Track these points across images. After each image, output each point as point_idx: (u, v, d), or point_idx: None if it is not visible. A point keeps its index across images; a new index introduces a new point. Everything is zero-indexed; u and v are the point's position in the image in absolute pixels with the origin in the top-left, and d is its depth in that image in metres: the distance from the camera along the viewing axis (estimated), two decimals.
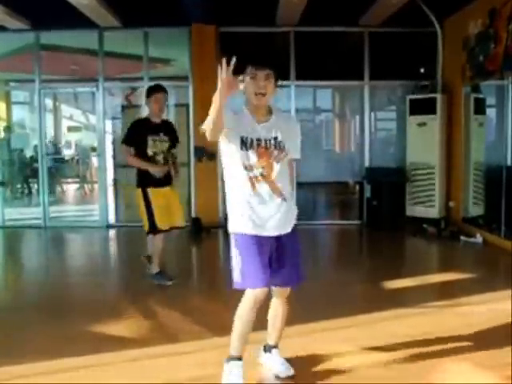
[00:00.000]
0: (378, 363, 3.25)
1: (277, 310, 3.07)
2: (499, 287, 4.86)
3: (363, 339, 3.62)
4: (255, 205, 2.78)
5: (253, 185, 2.76)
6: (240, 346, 2.92)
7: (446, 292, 4.98)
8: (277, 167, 2.78)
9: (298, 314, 4.03)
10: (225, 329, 3.77)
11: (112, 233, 8.38)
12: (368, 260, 6.55)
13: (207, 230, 7.92)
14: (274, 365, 3.11)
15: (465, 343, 3.52)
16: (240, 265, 2.82)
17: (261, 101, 2.74)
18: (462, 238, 7.02)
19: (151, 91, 4.96)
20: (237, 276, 2.84)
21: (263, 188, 2.77)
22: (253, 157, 2.74)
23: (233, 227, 2.90)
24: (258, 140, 2.75)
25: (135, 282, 5.30)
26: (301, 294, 4.28)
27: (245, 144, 2.73)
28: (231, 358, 2.92)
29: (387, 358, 3.30)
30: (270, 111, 2.83)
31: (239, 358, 2.91)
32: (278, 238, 2.84)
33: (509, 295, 4.41)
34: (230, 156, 2.77)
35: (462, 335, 3.68)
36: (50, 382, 3.01)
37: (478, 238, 6.85)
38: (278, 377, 3.06)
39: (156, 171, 4.85)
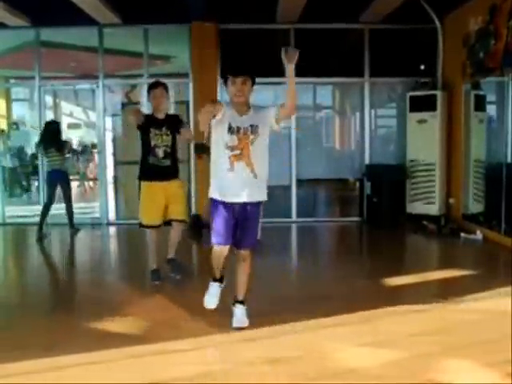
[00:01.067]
0: (377, 361, 3.25)
1: (240, 268, 3.80)
2: (499, 284, 4.85)
3: (363, 336, 3.62)
4: (230, 177, 3.54)
5: (231, 162, 3.53)
6: (216, 273, 3.88)
7: (446, 289, 4.98)
8: (251, 148, 3.55)
9: (297, 312, 4.05)
10: (225, 326, 3.79)
11: (112, 230, 8.39)
12: (368, 257, 6.56)
13: (208, 227, 7.90)
14: (234, 317, 3.77)
15: (465, 340, 3.53)
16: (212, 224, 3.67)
17: (239, 99, 3.56)
18: (462, 234, 7.02)
19: (149, 88, 5.04)
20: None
21: (239, 164, 3.54)
22: (235, 139, 3.53)
23: (210, 194, 3.67)
24: (238, 128, 3.54)
25: (136, 280, 5.30)
26: (300, 291, 4.30)
27: (230, 129, 3.53)
28: (212, 280, 3.93)
29: (387, 356, 3.30)
30: (249, 107, 3.63)
31: (215, 280, 3.91)
32: (244, 207, 3.58)
33: (509, 292, 4.42)
34: (216, 139, 3.57)
35: (461, 332, 3.69)
36: (51, 379, 3.02)
37: (478, 235, 6.86)
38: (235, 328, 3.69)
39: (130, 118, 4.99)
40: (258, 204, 3.67)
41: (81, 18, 7.68)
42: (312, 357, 3.29)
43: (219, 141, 3.56)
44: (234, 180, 3.54)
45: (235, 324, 3.73)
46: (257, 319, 4.01)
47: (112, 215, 8.81)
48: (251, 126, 3.56)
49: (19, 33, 8.48)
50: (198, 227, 7.94)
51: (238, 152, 3.54)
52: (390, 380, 2.98)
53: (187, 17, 7.91)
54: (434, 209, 7.90)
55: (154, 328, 3.87)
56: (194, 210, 8.34)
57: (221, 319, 3.99)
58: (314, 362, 3.21)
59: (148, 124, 4.93)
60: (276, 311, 4.08)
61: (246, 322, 3.74)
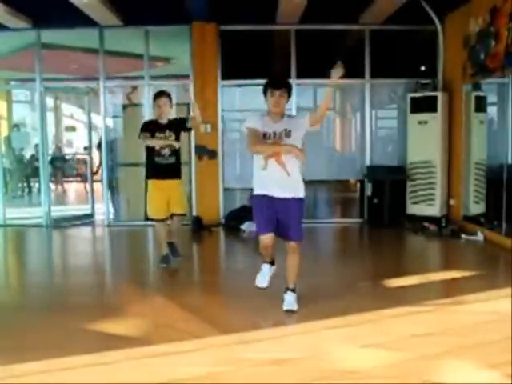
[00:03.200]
0: (379, 361, 3.25)
1: (288, 260, 4.12)
2: (500, 285, 4.86)
3: (365, 337, 3.62)
4: (264, 175, 3.99)
5: (265, 162, 3.95)
6: (266, 257, 4.19)
7: (447, 290, 4.99)
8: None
9: (299, 312, 4.06)
10: (226, 327, 3.79)
11: (113, 231, 8.39)
12: (369, 258, 6.55)
13: (208, 229, 7.93)
14: (284, 301, 4.10)
15: (466, 341, 3.53)
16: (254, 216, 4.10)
17: (276, 110, 4.00)
18: (463, 235, 7.02)
19: (153, 98, 5.54)
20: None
21: (272, 164, 3.95)
22: (269, 143, 3.95)
23: (253, 190, 4.11)
24: (274, 133, 3.97)
25: (136, 281, 5.31)
26: (301, 292, 4.30)
27: (265, 136, 3.97)
28: (263, 262, 4.22)
29: (388, 357, 3.30)
30: (283, 115, 4.06)
31: (265, 262, 4.20)
32: (282, 202, 3.96)
33: (510, 293, 4.41)
34: None
35: (462, 333, 3.69)
36: (52, 380, 3.02)
37: (479, 236, 6.85)
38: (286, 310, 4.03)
39: (156, 144, 5.39)
40: (294, 200, 4.00)
41: (82, 20, 7.69)
42: (314, 358, 3.29)
43: None
44: (269, 177, 3.98)
45: (285, 307, 4.06)
46: (256, 319, 4.02)
47: (112, 216, 8.81)
48: (285, 129, 3.97)
49: (20, 34, 8.47)
50: (198, 229, 7.96)
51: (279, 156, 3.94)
52: (392, 380, 2.98)
53: (188, 18, 7.92)
54: (434, 210, 7.90)
55: (155, 329, 3.87)
56: (194, 212, 8.34)
57: (223, 321, 4.00)
58: (316, 363, 3.21)
59: (152, 129, 5.43)
60: (276, 312, 4.09)
61: (295, 307, 4.06)
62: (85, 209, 9.25)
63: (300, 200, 4.06)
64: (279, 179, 3.97)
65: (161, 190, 5.46)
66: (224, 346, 3.47)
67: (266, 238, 3.97)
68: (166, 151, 5.40)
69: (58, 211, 9.20)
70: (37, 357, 3.29)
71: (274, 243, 4.02)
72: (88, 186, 12.01)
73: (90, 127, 9.29)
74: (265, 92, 4.03)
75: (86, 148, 10.28)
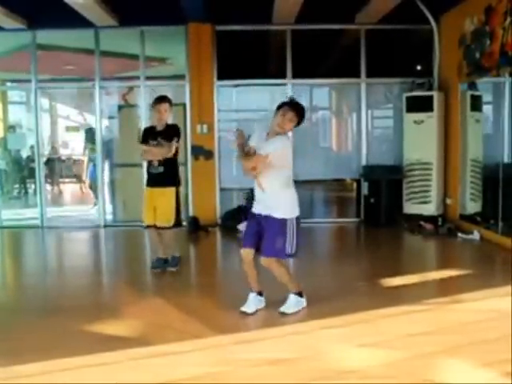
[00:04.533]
0: (376, 361, 3.25)
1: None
2: (497, 284, 4.87)
3: (362, 337, 3.63)
4: (255, 191, 4.08)
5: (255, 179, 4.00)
6: (252, 284, 4.18)
7: (444, 289, 5.00)
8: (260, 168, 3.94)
9: (297, 312, 4.05)
10: (224, 328, 3.79)
11: (109, 232, 8.37)
12: (366, 258, 6.56)
13: (205, 229, 7.92)
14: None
15: (464, 340, 3.53)
16: None
17: (278, 130, 3.92)
18: (460, 234, 7.03)
19: (154, 102, 5.47)
20: None
21: (255, 181, 4.01)
22: None
23: None
24: (258, 150, 3.94)
25: (134, 282, 5.30)
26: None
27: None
28: (250, 291, 4.20)
29: (386, 356, 3.31)
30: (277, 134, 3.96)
31: (251, 291, 4.18)
32: (263, 218, 3.98)
33: (507, 291, 4.43)
34: None
35: (461, 332, 3.69)
36: (52, 381, 3.01)
37: (476, 235, 6.87)
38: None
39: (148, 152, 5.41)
40: (271, 218, 3.94)
41: (77, 21, 7.66)
42: (312, 358, 3.29)
43: None
44: (256, 194, 4.08)
45: (280, 309, 4.07)
46: (256, 320, 4.02)
47: (109, 217, 8.79)
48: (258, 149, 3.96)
49: (15, 35, 8.44)
50: (195, 229, 7.94)
51: (255, 171, 3.99)
52: (390, 380, 2.99)
53: (183, 18, 7.91)
54: (431, 209, 7.91)
55: (153, 330, 3.86)
56: (191, 213, 8.33)
57: (221, 321, 4.00)
58: (313, 363, 3.21)
59: (146, 136, 5.45)
60: (275, 312, 4.08)
61: (289, 310, 4.05)
62: (81, 210, 9.23)
63: (278, 219, 3.94)
64: (258, 195, 4.04)
65: (149, 198, 5.45)
66: (221, 347, 3.47)
67: (243, 251, 4.05)
68: (155, 161, 5.37)
69: (54, 212, 9.18)
70: (35, 358, 3.29)
71: (251, 262, 4.05)
72: (84, 187, 12.02)
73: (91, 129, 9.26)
74: (279, 108, 3.97)
75: (91, 149, 10.23)
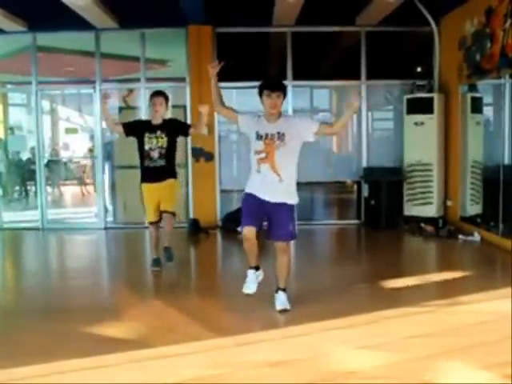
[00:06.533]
0: (377, 362, 3.25)
1: (277, 260, 4.15)
2: (498, 285, 4.87)
3: (363, 338, 3.62)
4: (256, 177, 4.04)
5: (258, 164, 4.01)
6: (251, 260, 4.22)
7: (445, 291, 4.98)
8: (276, 153, 3.96)
9: (298, 314, 4.05)
10: (224, 329, 3.79)
11: (110, 234, 8.37)
12: (366, 260, 6.56)
13: (205, 231, 7.91)
14: (276, 301, 4.12)
15: (464, 342, 3.53)
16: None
17: (273, 111, 4.01)
18: (460, 236, 7.03)
19: (151, 96, 5.52)
20: None
21: (264, 167, 3.99)
22: (261, 144, 3.99)
23: (245, 189, 4.15)
24: (266, 134, 3.99)
25: (134, 284, 5.29)
26: (299, 294, 4.31)
27: (258, 136, 4.00)
28: (249, 267, 4.26)
29: (387, 358, 3.30)
30: (279, 116, 4.07)
31: (251, 267, 4.24)
32: (273, 205, 3.99)
33: (507, 293, 4.42)
34: (250, 145, 4.09)
35: (461, 334, 3.69)
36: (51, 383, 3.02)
37: (476, 237, 6.86)
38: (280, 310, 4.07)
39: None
40: (285, 205, 4.03)
41: (77, 23, 7.67)
42: (313, 359, 3.29)
43: (251, 146, 4.08)
44: (261, 181, 4.01)
45: (279, 307, 4.09)
46: (257, 322, 4.02)
47: (109, 219, 8.79)
48: (278, 133, 3.97)
49: (16, 38, 8.45)
50: (195, 231, 7.94)
51: (263, 155, 3.99)
52: (391, 381, 2.98)
53: (184, 20, 7.91)
54: (431, 211, 7.91)
55: (153, 332, 3.86)
56: (191, 214, 8.33)
57: (221, 323, 3.99)
58: (314, 365, 3.21)
59: (142, 130, 5.41)
60: (274, 314, 4.08)
61: (287, 305, 4.09)
62: (81, 212, 9.22)
63: (290, 205, 4.07)
64: (270, 184, 3.99)
65: (150, 194, 5.46)
66: (222, 348, 3.47)
67: (247, 230, 3.97)
68: (155, 154, 5.34)
69: (54, 214, 9.18)
70: (36, 360, 3.28)
71: (254, 241, 4.02)
72: (85, 189, 12.03)
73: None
74: (260, 93, 4.05)
75: (91, 150, 10.22)
